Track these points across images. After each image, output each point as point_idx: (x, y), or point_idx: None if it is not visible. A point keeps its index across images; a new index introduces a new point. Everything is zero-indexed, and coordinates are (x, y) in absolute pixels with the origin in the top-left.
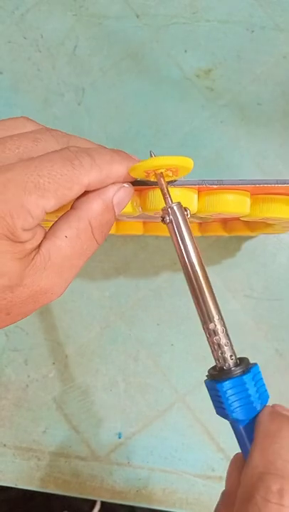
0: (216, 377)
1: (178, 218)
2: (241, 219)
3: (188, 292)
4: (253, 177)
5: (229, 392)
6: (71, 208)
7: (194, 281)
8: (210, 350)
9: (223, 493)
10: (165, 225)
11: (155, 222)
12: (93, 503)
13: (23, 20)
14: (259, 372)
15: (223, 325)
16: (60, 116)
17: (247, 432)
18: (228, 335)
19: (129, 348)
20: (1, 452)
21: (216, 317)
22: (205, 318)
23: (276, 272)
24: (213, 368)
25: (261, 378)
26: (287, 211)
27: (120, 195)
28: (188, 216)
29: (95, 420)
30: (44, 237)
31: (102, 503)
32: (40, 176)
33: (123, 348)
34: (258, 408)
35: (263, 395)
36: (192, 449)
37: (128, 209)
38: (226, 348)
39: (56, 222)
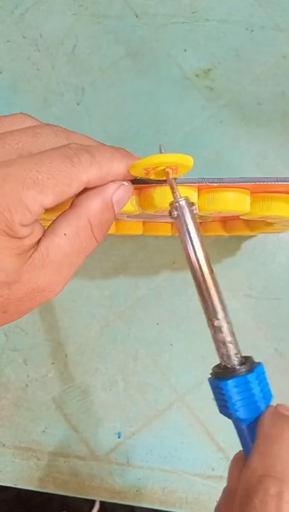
0: (220, 375)
1: (186, 213)
2: (241, 217)
3: (188, 291)
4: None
5: (233, 390)
6: (70, 206)
7: (201, 277)
8: (212, 350)
9: (225, 490)
10: (165, 225)
11: (155, 221)
12: (92, 502)
13: (23, 20)
14: (264, 371)
15: (229, 322)
16: (60, 115)
17: (249, 431)
18: (233, 333)
19: (128, 348)
20: (1, 452)
21: (221, 314)
22: (210, 315)
23: (275, 271)
24: (218, 366)
25: (265, 378)
26: (287, 209)
27: (120, 194)
28: (196, 211)
29: (94, 420)
30: (43, 235)
31: (102, 503)
32: (39, 172)
33: (122, 348)
34: (262, 408)
35: (267, 395)
36: (192, 449)
37: (128, 207)
38: (230, 346)
39: (55, 220)
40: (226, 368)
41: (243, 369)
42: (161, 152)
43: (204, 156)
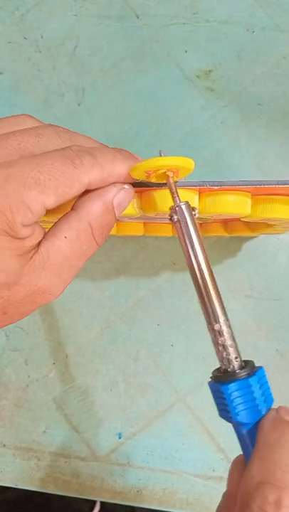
0: (221, 379)
1: (186, 218)
2: (242, 219)
3: (189, 292)
4: (253, 177)
5: (234, 394)
6: (71, 209)
7: (201, 281)
8: (212, 351)
9: (225, 495)
10: (166, 226)
11: (156, 223)
12: (93, 503)
13: (24, 21)
14: (264, 375)
15: (229, 326)
16: (61, 116)
17: (250, 435)
18: (233, 336)
19: (129, 348)
20: (1, 452)
21: (221, 318)
22: (210, 318)
23: (276, 272)
24: (218, 369)
25: (266, 382)
26: (288, 212)
27: (121, 197)
28: (196, 216)
29: (95, 420)
30: (44, 238)
31: (102, 504)
32: (40, 173)
33: (123, 348)
34: (263, 412)
35: (268, 399)
36: (192, 449)
37: (129, 210)
38: (231, 350)
39: (56, 222)
40: (226, 371)
41: (243, 373)
42: (160, 156)
43: (204, 156)
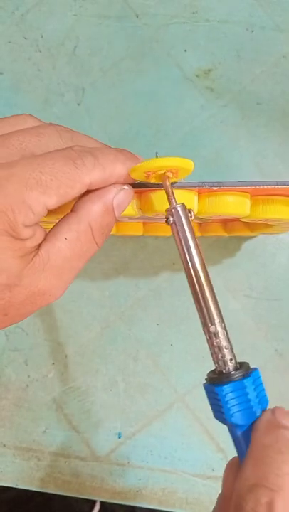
0: (216, 380)
1: (181, 220)
2: (241, 220)
3: (188, 292)
4: (253, 176)
5: (228, 396)
6: (71, 210)
7: (196, 283)
8: (209, 353)
9: (220, 496)
10: (165, 226)
11: (155, 222)
12: (93, 503)
13: (24, 21)
14: (259, 377)
15: (224, 328)
16: (60, 116)
17: (245, 437)
18: (228, 338)
19: (128, 348)
20: (1, 452)
21: (217, 320)
22: (206, 320)
23: (276, 272)
24: (213, 371)
25: (261, 383)
26: (287, 212)
27: (120, 198)
28: (192, 218)
29: (94, 420)
30: (44, 239)
31: (102, 504)
32: (42, 173)
33: (123, 348)
34: (258, 414)
35: (263, 400)
36: (192, 449)
37: (128, 211)
38: (226, 352)
39: (56, 224)
40: (221, 373)
41: (238, 374)
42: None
43: (204, 155)
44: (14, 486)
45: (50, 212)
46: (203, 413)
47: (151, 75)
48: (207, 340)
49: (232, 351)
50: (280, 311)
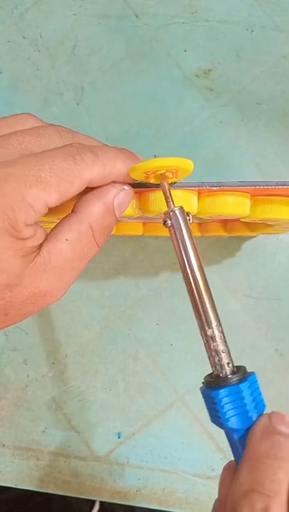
0: (212, 384)
1: (179, 223)
2: (241, 220)
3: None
4: (253, 176)
5: (225, 400)
6: (72, 210)
7: (194, 286)
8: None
9: (216, 502)
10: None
11: (155, 222)
12: (92, 503)
13: (23, 20)
14: (256, 381)
15: (222, 331)
16: (60, 115)
17: (241, 441)
18: (226, 342)
19: (128, 348)
20: (1, 452)
21: (214, 323)
22: (203, 324)
23: (276, 271)
24: (210, 375)
25: (258, 387)
26: (287, 212)
27: (121, 198)
28: (191, 221)
29: (94, 420)
30: (45, 240)
31: (102, 503)
32: (41, 170)
33: (122, 348)
34: (254, 418)
35: (260, 405)
36: (192, 449)
37: (128, 211)
38: (223, 355)
39: (57, 225)
40: (218, 377)
41: (235, 378)
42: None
43: (204, 155)
44: (13, 486)
45: (51, 210)
46: (203, 413)
47: (151, 75)
48: (204, 343)
49: (229, 355)
50: (280, 311)
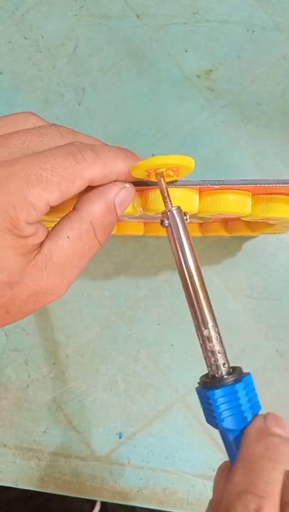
0: (208, 384)
1: (177, 222)
2: (242, 219)
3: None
4: (253, 177)
5: (220, 400)
6: (73, 208)
7: (190, 286)
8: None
9: (210, 503)
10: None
11: (156, 222)
12: (93, 503)
13: (24, 21)
14: (252, 381)
15: (218, 332)
16: (61, 116)
17: (236, 442)
18: (222, 342)
19: (129, 348)
20: (1, 452)
21: (210, 324)
22: (199, 324)
23: (276, 271)
24: (205, 375)
25: (254, 388)
26: (288, 211)
27: (122, 196)
28: (188, 221)
29: (95, 420)
30: (46, 237)
31: (102, 504)
32: (42, 169)
33: (123, 348)
34: (249, 419)
35: (255, 406)
36: (192, 449)
37: (129, 210)
38: (219, 356)
39: (58, 222)
40: (213, 377)
41: (230, 379)
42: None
43: (204, 155)
44: (14, 486)
45: (52, 209)
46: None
47: (152, 75)
48: (200, 344)
49: (225, 356)
50: (281, 311)
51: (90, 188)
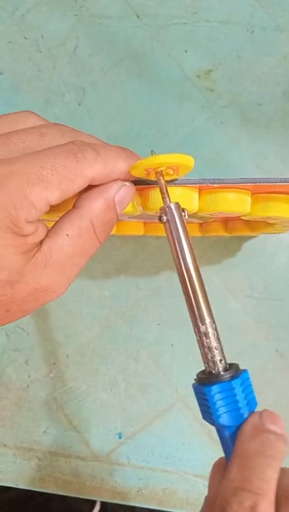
0: (204, 381)
1: (175, 218)
2: (242, 218)
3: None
4: (254, 177)
5: (216, 396)
6: (73, 207)
7: (188, 282)
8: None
9: (206, 499)
10: None
11: (156, 222)
12: (93, 503)
13: (24, 21)
14: (248, 378)
15: (215, 328)
16: (61, 116)
17: (232, 438)
18: (219, 339)
19: (129, 348)
20: (2, 452)
21: (207, 320)
22: (197, 320)
23: (276, 271)
24: (202, 371)
25: (250, 385)
26: (288, 210)
27: (122, 194)
28: (186, 217)
29: (95, 420)
30: (46, 235)
31: (102, 504)
32: (43, 168)
33: (123, 348)
34: (245, 415)
35: (251, 402)
36: (192, 449)
37: (129, 208)
38: (216, 352)
39: (58, 221)
40: (210, 373)
41: (227, 375)
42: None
43: (204, 156)
44: (14, 486)
45: (52, 208)
46: None
47: (152, 76)
48: (197, 340)
49: (222, 352)
50: (281, 311)
51: (90, 188)
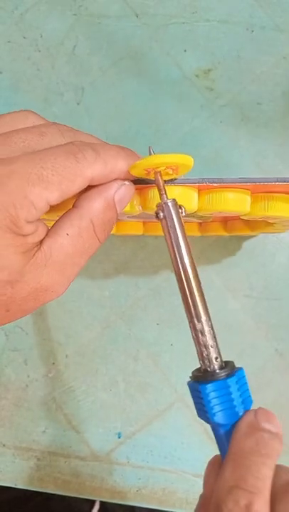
0: (200, 378)
1: (172, 215)
2: (242, 218)
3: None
4: (253, 176)
5: (211, 394)
6: (73, 206)
7: (184, 279)
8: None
9: (201, 497)
10: None
11: (155, 222)
12: (92, 503)
13: (23, 20)
14: (244, 376)
15: (211, 326)
16: (60, 115)
17: (228, 437)
18: (215, 337)
19: (128, 348)
20: (1, 452)
21: (203, 317)
22: (192, 317)
23: (275, 271)
24: (198, 369)
25: (246, 383)
26: (288, 209)
27: (122, 193)
28: (183, 214)
29: (94, 420)
30: (46, 235)
31: (102, 503)
32: (43, 168)
33: (123, 348)
34: (240, 414)
35: (247, 401)
36: (192, 449)
37: (128, 208)
38: (211, 350)
39: (58, 220)
40: (206, 371)
41: (222, 373)
42: (150, 154)
43: (204, 155)
44: (13, 486)
45: (52, 208)
46: None
47: (151, 75)
48: (193, 337)
49: (218, 350)
50: (280, 311)
51: (90, 187)
